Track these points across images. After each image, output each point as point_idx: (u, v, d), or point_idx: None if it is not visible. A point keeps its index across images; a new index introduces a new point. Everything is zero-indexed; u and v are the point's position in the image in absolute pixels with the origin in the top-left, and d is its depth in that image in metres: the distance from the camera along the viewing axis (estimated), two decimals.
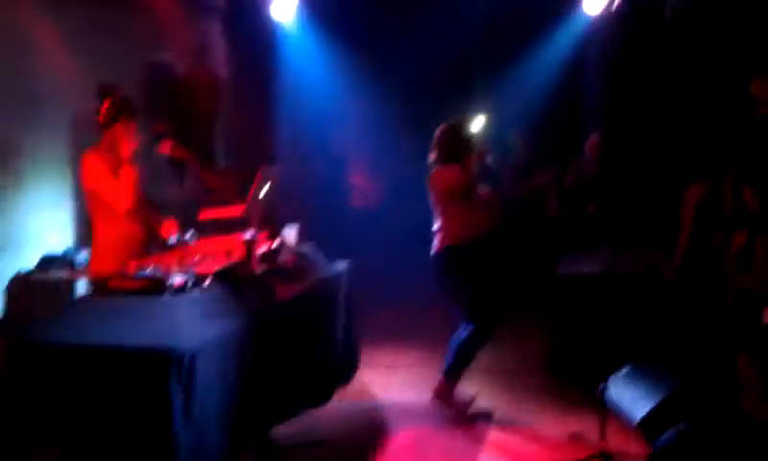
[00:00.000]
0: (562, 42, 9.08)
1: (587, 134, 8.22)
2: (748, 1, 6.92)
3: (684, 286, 5.44)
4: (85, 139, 4.94)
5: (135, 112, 4.79)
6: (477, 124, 7.65)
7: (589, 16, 8.30)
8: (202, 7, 8.18)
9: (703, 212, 5.42)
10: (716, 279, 5.03)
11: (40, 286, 5.41)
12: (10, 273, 5.61)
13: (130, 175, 4.71)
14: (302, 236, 5.44)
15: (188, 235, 4.99)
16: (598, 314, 5.66)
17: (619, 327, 5.53)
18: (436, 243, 5.42)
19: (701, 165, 5.69)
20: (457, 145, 5.42)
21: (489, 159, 5.56)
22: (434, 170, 5.45)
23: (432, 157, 5.51)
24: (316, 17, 8.46)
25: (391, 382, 6.02)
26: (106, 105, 4.68)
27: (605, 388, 4.80)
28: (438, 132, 5.52)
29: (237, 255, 4.56)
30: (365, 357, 6.18)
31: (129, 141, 4.77)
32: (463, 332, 5.40)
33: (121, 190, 4.64)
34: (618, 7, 7.94)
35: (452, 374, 5.41)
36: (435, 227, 5.45)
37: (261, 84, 8.59)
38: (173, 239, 4.85)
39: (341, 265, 5.71)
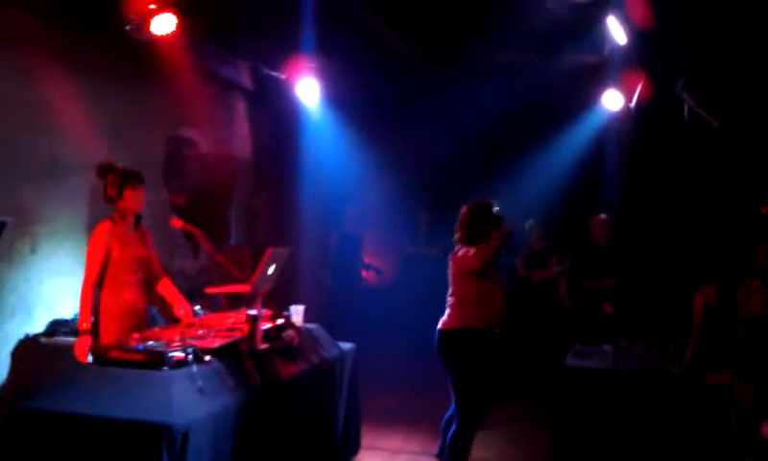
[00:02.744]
0: (581, 135, 9.16)
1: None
2: (758, 111, 7.01)
3: (690, 387, 5.39)
4: (103, 209, 5.05)
5: (141, 179, 4.92)
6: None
7: (609, 111, 8.39)
8: (228, 85, 8.39)
9: (712, 316, 5.40)
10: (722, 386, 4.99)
11: (47, 351, 5.47)
12: (19, 336, 5.68)
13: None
14: (310, 315, 5.47)
15: (195, 309, 5.04)
16: (603, 410, 5.60)
17: (624, 425, 5.47)
18: (445, 318, 5.34)
19: (712, 267, 5.70)
20: (483, 226, 5.32)
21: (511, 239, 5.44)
22: (457, 249, 5.38)
23: (457, 236, 5.44)
24: (338, 101, 8.63)
25: None
26: (110, 178, 4.82)
27: None
28: (464, 210, 5.45)
29: (241, 332, 4.59)
30: (369, 440, 6.15)
31: (138, 206, 4.91)
32: (452, 425, 5.32)
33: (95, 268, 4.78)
34: (637, 104, 8.05)
35: None
36: (449, 299, 5.37)
37: (281, 162, 8.75)
38: (180, 312, 4.90)
39: (346, 346, 5.72)
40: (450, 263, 5.39)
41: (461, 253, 5.32)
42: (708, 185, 7.67)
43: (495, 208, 5.48)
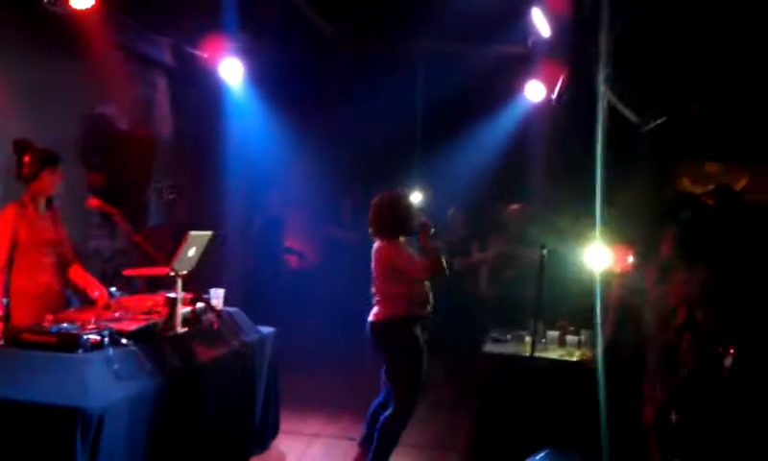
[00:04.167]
0: (504, 124, 9.29)
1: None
2: (676, 104, 7.22)
3: (606, 372, 5.53)
4: (18, 188, 4.89)
5: (59, 161, 4.79)
6: (415, 199, 7.75)
7: (531, 102, 8.52)
8: (148, 62, 8.20)
9: (625, 302, 5.56)
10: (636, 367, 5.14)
11: None
12: None
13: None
14: (230, 299, 5.41)
15: (111, 291, 4.93)
16: (520, 395, 5.71)
17: (540, 409, 5.59)
18: (376, 310, 5.28)
19: (627, 256, 5.85)
20: (397, 218, 5.28)
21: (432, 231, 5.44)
22: (377, 243, 5.32)
23: (371, 229, 5.35)
24: (263, 82, 8.54)
25: (310, 452, 5.92)
26: (27, 157, 4.67)
27: None
28: (375, 202, 5.36)
29: (159, 315, 4.51)
30: (288, 424, 6.14)
31: (53, 189, 4.77)
32: (384, 410, 5.32)
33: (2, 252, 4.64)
34: (558, 96, 8.21)
35: (379, 458, 5.25)
36: (376, 294, 5.31)
37: (203, 142, 8.61)
38: (95, 294, 4.78)
39: (266, 330, 5.68)
40: (374, 257, 5.32)
41: (384, 249, 5.27)
42: (625, 177, 7.87)
43: (411, 198, 5.48)
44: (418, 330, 5.27)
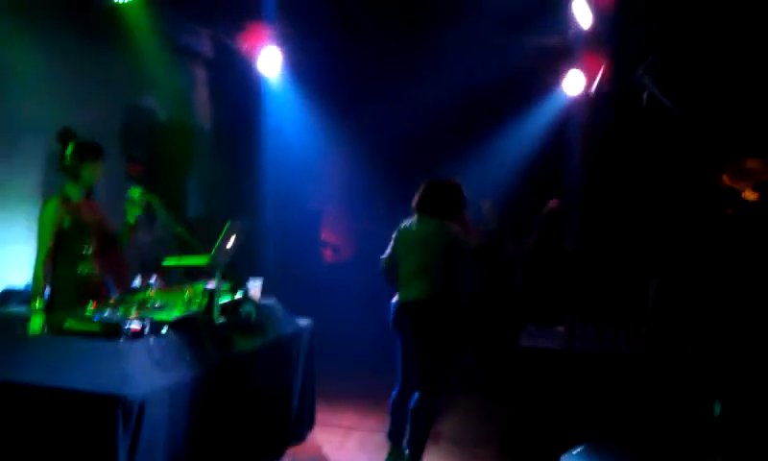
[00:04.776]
0: (543, 117, 9.21)
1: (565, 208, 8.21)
2: (718, 97, 7.10)
3: (643, 368, 5.49)
4: (60, 178, 4.96)
5: (101, 153, 4.84)
6: None
7: (569, 95, 8.44)
8: (188, 53, 8.26)
9: (664, 301, 5.49)
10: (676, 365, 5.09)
11: None
12: None
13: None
14: (267, 289, 5.45)
15: (151, 281, 4.98)
16: (555, 390, 5.68)
17: (575, 405, 5.55)
18: (420, 289, 5.27)
19: (666, 252, 5.79)
20: (460, 203, 5.45)
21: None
22: (430, 222, 5.36)
23: (425, 208, 5.40)
24: (301, 75, 8.56)
25: (346, 445, 5.94)
26: (69, 149, 4.74)
27: None
28: (436, 185, 5.44)
29: (198, 305, 4.55)
30: (325, 416, 6.17)
31: (94, 180, 4.84)
32: (406, 398, 5.33)
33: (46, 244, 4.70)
34: (598, 89, 8.12)
35: (416, 449, 5.27)
36: (418, 272, 5.31)
37: (242, 134, 8.66)
38: (136, 283, 4.85)
39: (303, 322, 5.71)
40: (423, 236, 5.36)
41: (438, 227, 5.32)
42: (667, 171, 7.77)
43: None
44: (456, 310, 5.37)
